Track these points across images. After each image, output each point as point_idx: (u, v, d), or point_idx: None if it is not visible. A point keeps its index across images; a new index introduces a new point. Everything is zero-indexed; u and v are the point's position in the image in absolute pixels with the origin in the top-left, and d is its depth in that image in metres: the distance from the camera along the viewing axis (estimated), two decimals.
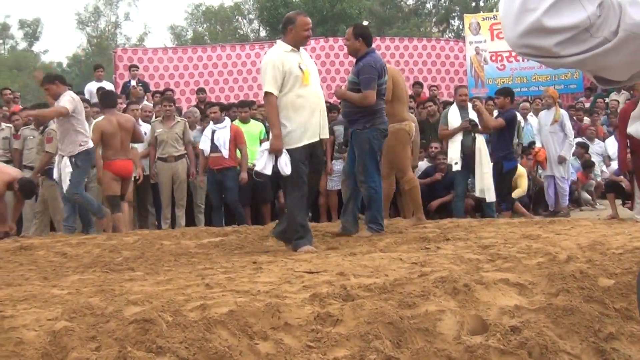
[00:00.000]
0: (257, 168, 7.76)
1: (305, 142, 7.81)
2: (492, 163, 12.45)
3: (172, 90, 17.91)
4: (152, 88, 18.58)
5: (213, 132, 12.47)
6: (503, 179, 12.54)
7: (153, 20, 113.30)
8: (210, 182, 12.68)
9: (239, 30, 60.54)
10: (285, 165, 7.66)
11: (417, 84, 18.78)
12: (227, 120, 12.82)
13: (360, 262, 6.03)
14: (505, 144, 12.51)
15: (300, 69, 7.84)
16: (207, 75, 20.59)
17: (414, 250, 6.85)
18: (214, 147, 12.40)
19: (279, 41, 8.12)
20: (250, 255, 7.40)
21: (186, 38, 62.11)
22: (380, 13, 54.20)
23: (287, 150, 7.72)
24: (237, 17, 61.97)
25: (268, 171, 7.73)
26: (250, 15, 59.83)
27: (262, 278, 5.49)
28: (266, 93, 7.80)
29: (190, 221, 13.06)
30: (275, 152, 7.67)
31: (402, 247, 7.25)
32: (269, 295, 4.71)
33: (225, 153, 12.40)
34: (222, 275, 5.72)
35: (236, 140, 12.55)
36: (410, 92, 18.81)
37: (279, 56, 7.83)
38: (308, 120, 7.85)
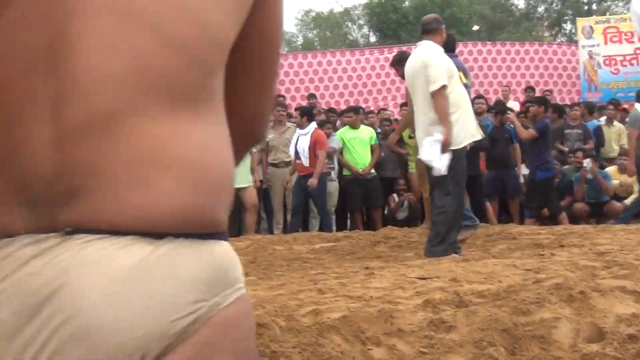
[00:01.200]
0: (434, 165, 7.25)
1: (466, 142, 7.51)
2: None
3: (283, 96, 18.02)
4: None
5: (298, 138, 12.33)
6: (534, 188, 12.30)
7: None
8: (295, 187, 12.50)
9: (348, 36, 60.69)
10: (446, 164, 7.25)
11: (530, 89, 18.48)
12: (311, 126, 12.26)
13: (472, 269, 5.98)
14: (540, 154, 12.21)
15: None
16: (317, 81, 20.73)
17: (527, 257, 6.76)
18: (297, 154, 12.23)
19: (429, 42, 7.73)
20: (362, 260, 7.41)
21: (296, 44, 62.64)
22: (491, 17, 53.63)
23: (452, 150, 7.32)
24: (346, 23, 62.18)
25: (444, 169, 7.24)
26: (360, 21, 59.92)
27: (374, 284, 5.49)
28: (440, 87, 7.30)
29: (304, 226, 13.04)
30: (446, 147, 7.25)
31: (515, 254, 7.17)
32: (382, 301, 4.72)
33: (305, 161, 12.04)
34: (334, 281, 5.75)
35: (316, 146, 12.07)
36: (522, 96, 18.66)
37: (439, 53, 7.58)
38: (470, 119, 7.62)
